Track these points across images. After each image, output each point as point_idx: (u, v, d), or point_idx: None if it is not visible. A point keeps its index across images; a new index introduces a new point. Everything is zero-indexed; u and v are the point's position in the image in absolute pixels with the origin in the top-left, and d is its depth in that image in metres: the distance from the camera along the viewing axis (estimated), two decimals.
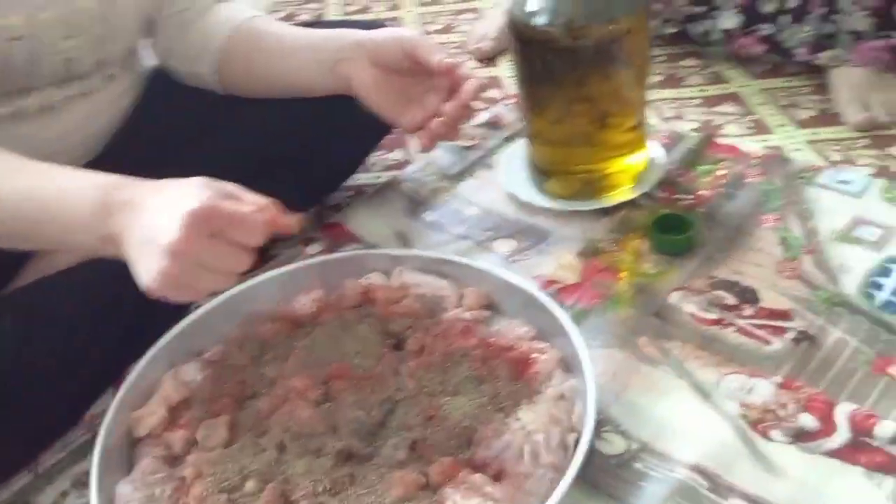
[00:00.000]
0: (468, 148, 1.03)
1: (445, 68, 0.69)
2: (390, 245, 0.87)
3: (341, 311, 0.70)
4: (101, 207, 0.54)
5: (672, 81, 1.13)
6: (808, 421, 0.62)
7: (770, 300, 0.74)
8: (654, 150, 0.93)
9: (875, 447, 0.60)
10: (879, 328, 0.70)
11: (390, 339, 0.67)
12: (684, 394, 0.66)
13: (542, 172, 0.92)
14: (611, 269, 0.80)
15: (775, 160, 0.92)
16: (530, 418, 0.57)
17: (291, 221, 0.56)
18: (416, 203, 0.94)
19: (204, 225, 0.50)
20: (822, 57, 1.02)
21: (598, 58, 0.81)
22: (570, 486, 0.52)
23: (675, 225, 0.81)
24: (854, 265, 0.77)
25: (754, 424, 0.63)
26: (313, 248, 0.89)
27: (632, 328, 0.73)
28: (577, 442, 0.56)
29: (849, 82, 0.99)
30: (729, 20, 1.07)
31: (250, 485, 0.56)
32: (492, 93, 1.18)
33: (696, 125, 1.03)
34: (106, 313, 0.69)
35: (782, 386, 0.66)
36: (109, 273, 0.57)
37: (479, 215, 0.91)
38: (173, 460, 0.60)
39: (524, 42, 0.83)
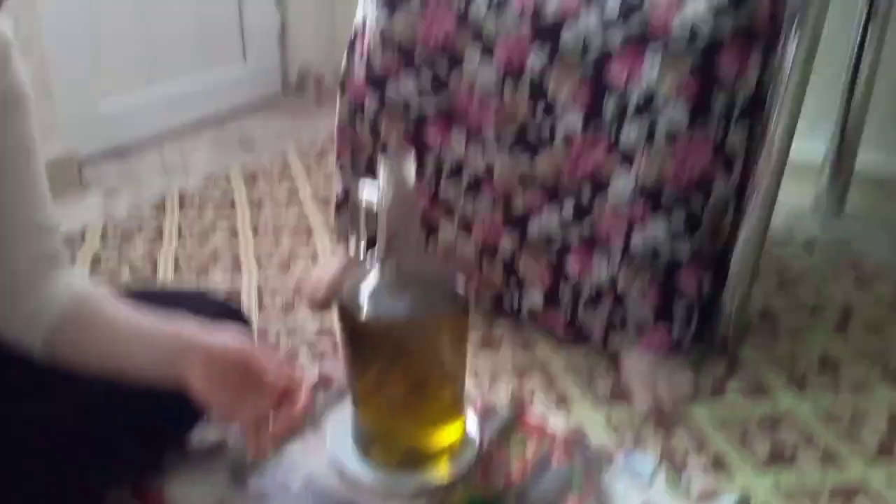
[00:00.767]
0: None
1: (279, 386, 0.73)
2: None
3: None
4: None
5: (488, 346, 1.24)
6: None
7: None
8: (470, 424, 1.01)
9: None
10: None
11: None
12: None
13: (366, 438, 0.96)
14: None
15: (576, 442, 1.02)
16: None
17: None
18: (241, 469, 0.95)
19: None
20: (612, 342, 1.17)
21: (418, 346, 0.89)
22: None
23: None
24: None
25: None
26: None
27: None
28: None
29: (637, 368, 1.13)
30: (534, 298, 1.21)
31: None
32: (324, 344, 1.24)
33: (508, 396, 1.13)
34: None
35: None
36: None
37: (302, 489, 0.93)
38: None
39: (351, 327, 0.90)
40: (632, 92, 1.03)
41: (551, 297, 1.20)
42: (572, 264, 1.15)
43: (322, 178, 1.88)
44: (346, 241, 1.40)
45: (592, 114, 1.07)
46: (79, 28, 1.90)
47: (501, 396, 1.13)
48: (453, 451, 0.96)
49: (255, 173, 1.93)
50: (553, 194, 1.14)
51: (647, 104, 1.02)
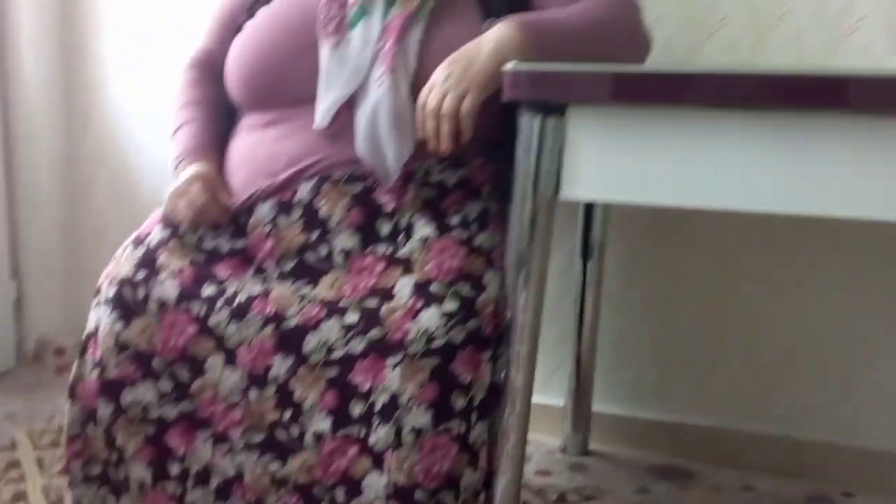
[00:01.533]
0: None
1: None
2: None
3: None
4: None
5: None
6: None
7: None
8: None
9: None
10: None
11: None
12: None
13: None
14: None
15: None
16: None
17: None
18: None
19: None
20: None
21: None
22: None
23: None
24: None
25: None
26: None
27: None
28: None
29: None
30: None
31: None
32: None
33: None
34: None
35: None
36: None
37: None
38: None
39: None
40: (377, 396, 1.05)
41: None
42: None
43: (58, 477, 1.67)
44: None
45: (341, 416, 1.07)
46: None
47: None
48: None
49: None
50: (308, 497, 1.10)
51: (393, 407, 1.04)
